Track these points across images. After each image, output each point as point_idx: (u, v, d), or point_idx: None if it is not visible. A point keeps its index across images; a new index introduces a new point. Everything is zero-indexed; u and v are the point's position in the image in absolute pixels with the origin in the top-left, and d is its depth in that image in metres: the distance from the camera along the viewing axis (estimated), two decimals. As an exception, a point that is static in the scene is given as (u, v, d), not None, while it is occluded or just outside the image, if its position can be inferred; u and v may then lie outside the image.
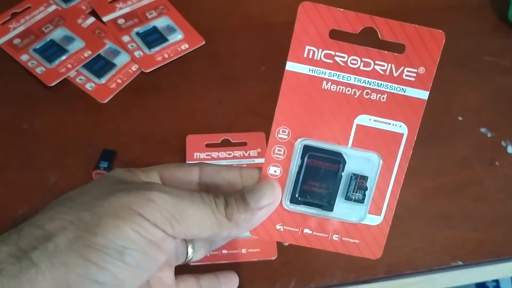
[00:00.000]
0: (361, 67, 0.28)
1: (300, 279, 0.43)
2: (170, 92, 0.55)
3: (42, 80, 0.55)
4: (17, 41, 0.58)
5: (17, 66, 0.56)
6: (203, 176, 0.29)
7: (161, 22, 0.61)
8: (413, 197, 0.48)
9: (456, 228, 0.46)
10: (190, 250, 0.30)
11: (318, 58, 0.28)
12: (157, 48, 0.58)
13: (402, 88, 0.28)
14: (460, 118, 0.54)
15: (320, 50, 0.28)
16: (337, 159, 0.28)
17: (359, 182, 0.29)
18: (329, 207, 0.29)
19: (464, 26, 0.62)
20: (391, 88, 0.28)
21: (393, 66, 0.28)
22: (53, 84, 0.55)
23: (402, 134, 0.29)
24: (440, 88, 0.56)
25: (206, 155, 0.49)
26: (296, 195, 0.29)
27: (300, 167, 0.28)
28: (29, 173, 0.48)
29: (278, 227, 0.29)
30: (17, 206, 0.46)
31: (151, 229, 0.23)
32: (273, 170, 0.29)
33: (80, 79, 0.56)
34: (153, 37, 0.59)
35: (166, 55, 0.58)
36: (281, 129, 0.29)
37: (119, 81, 0.56)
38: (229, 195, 0.27)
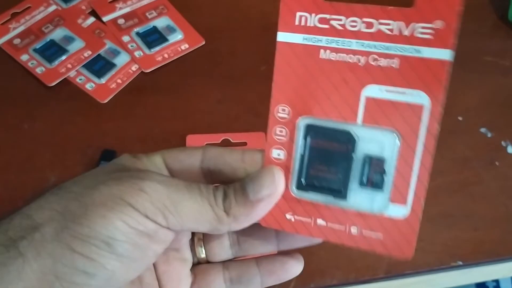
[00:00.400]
0: (363, 29, 0.24)
1: (300, 279, 0.43)
2: (170, 92, 0.55)
3: (42, 80, 0.55)
4: (17, 41, 0.58)
5: (17, 66, 0.56)
6: (205, 159, 0.27)
7: (161, 22, 0.61)
8: (413, 197, 0.48)
9: (456, 228, 0.46)
10: (199, 250, 0.29)
11: (312, 24, 0.24)
12: (157, 48, 0.58)
13: (417, 49, 0.23)
14: (460, 118, 0.54)
15: (313, 15, 0.24)
16: (346, 138, 0.24)
17: (374, 164, 0.24)
18: (342, 194, 0.25)
19: (464, 26, 0.62)
20: (402, 50, 0.23)
21: (402, 23, 0.23)
22: (53, 84, 0.55)
23: (422, 106, 0.24)
24: (440, 88, 0.56)
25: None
26: (302, 181, 0.25)
27: (304, 149, 0.25)
28: (29, 173, 0.48)
29: (288, 216, 0.26)
30: (17, 206, 0.46)
31: (141, 220, 0.23)
32: (277, 154, 0.26)
33: (80, 79, 0.56)
34: (153, 37, 0.59)
35: (166, 55, 0.58)
36: (280, 108, 0.25)
37: (119, 81, 0.56)
38: (229, 186, 0.25)
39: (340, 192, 0.25)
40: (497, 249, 0.45)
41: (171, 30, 0.60)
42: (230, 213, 0.24)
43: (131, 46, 0.58)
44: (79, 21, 0.60)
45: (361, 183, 0.25)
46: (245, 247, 0.29)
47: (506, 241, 0.45)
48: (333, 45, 0.24)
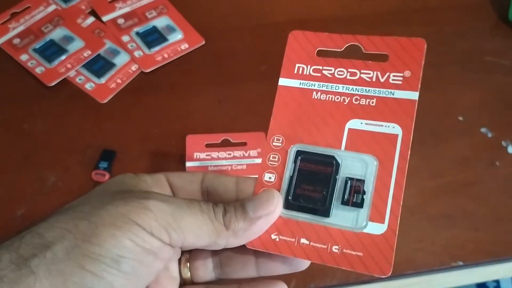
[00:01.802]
0: (348, 77, 0.29)
1: (300, 279, 0.43)
2: (170, 92, 0.55)
3: (42, 80, 0.55)
4: (16, 41, 0.58)
5: (16, 66, 0.56)
6: (204, 181, 0.29)
7: (161, 22, 0.61)
8: (413, 197, 0.48)
9: (456, 228, 0.46)
10: (185, 271, 0.30)
11: (307, 73, 0.30)
12: (157, 48, 0.58)
13: (391, 92, 0.29)
14: (460, 118, 0.54)
15: (309, 66, 0.30)
16: (330, 161, 0.28)
17: (355, 185, 0.27)
18: (325, 212, 0.27)
19: (465, 26, 0.62)
20: (379, 93, 0.29)
21: (378, 73, 0.29)
22: (53, 84, 0.55)
23: (397, 135, 0.28)
24: (440, 88, 0.56)
25: (206, 155, 0.49)
26: (290, 198, 0.28)
27: (293, 171, 0.29)
28: (29, 173, 0.48)
29: (273, 236, 0.28)
30: (16, 206, 0.46)
31: (147, 238, 0.24)
32: (268, 177, 0.29)
33: (79, 79, 0.55)
34: (153, 37, 0.59)
35: (166, 55, 0.58)
36: (276, 138, 0.29)
37: (118, 81, 0.56)
38: (229, 204, 0.27)
39: (323, 209, 0.27)
40: (497, 249, 0.45)
41: (171, 30, 0.60)
42: (229, 227, 0.26)
43: (131, 46, 0.58)
44: (79, 21, 0.60)
45: (343, 202, 0.27)
46: (227, 270, 0.30)
47: (506, 241, 0.45)
48: (324, 88, 0.30)
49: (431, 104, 0.55)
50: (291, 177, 0.28)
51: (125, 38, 0.59)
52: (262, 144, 0.50)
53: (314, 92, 0.30)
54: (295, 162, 0.29)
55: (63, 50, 0.57)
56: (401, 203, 0.27)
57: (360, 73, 0.29)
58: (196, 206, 0.26)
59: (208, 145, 0.50)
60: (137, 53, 0.58)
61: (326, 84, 0.30)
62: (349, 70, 0.30)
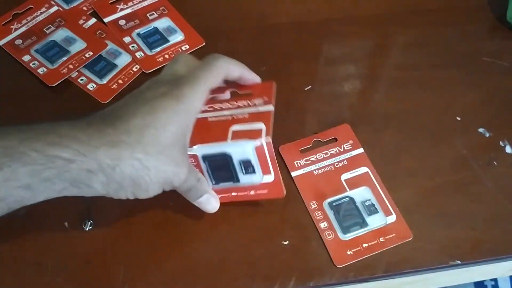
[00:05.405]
0: (229, 103, 0.45)
1: (300, 277, 0.43)
2: (170, 92, 0.56)
3: (44, 80, 0.55)
4: (18, 41, 0.58)
5: (18, 66, 0.56)
6: None
7: (161, 23, 0.61)
8: (411, 197, 0.48)
9: (454, 227, 0.46)
10: None
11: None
12: (158, 49, 0.59)
13: (257, 108, 0.43)
14: (458, 118, 0.54)
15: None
16: (226, 156, 0.43)
17: (245, 163, 0.43)
18: (236, 180, 0.44)
19: (463, 27, 0.63)
20: (250, 109, 0.43)
21: (249, 101, 0.44)
22: (55, 84, 0.55)
23: (262, 129, 0.42)
24: (438, 88, 0.57)
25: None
26: (213, 181, 0.45)
27: (206, 167, 0.44)
28: (31, 172, 0.49)
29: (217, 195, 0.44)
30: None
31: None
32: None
33: (81, 80, 0.56)
34: (154, 38, 0.59)
35: (167, 56, 0.58)
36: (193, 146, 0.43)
37: (120, 81, 0.56)
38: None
39: (234, 179, 0.44)
40: (495, 248, 0.45)
41: (171, 31, 0.60)
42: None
43: (132, 47, 0.59)
44: (81, 22, 0.61)
45: (243, 173, 0.43)
46: None
47: (504, 240, 0.46)
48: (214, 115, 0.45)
49: (429, 104, 0.55)
50: (207, 170, 0.44)
51: (127, 39, 0.59)
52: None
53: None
54: (204, 162, 0.43)
55: (65, 51, 0.57)
56: (276, 160, 0.42)
57: (237, 102, 0.45)
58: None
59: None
60: (138, 54, 0.58)
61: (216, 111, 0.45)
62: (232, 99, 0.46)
